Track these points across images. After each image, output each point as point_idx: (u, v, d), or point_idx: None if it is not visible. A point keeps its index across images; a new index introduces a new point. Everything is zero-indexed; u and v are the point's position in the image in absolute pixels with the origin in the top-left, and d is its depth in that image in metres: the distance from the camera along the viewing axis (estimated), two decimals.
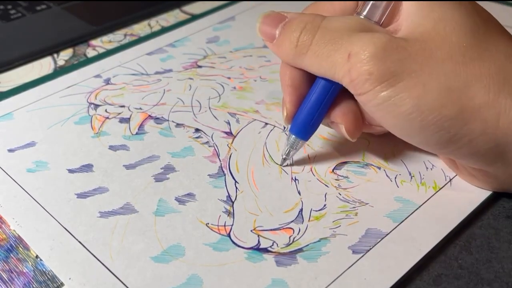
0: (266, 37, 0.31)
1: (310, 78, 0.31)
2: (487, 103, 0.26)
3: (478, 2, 0.29)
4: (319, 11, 0.31)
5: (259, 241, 0.28)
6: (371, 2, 0.29)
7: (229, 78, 0.41)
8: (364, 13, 0.29)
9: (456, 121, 0.26)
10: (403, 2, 0.28)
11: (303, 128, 0.31)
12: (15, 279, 0.27)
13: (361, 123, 0.31)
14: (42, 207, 0.31)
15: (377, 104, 0.27)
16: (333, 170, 0.32)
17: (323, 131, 0.35)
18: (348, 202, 0.30)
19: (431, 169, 0.32)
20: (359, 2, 0.30)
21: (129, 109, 0.38)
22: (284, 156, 0.32)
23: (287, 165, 0.33)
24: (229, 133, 0.36)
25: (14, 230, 0.30)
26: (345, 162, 0.33)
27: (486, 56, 0.27)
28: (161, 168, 0.33)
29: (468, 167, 0.30)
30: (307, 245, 0.28)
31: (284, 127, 0.36)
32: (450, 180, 0.31)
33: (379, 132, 0.32)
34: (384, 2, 0.29)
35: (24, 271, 0.28)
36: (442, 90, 0.26)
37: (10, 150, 0.35)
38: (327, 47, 0.28)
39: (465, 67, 0.26)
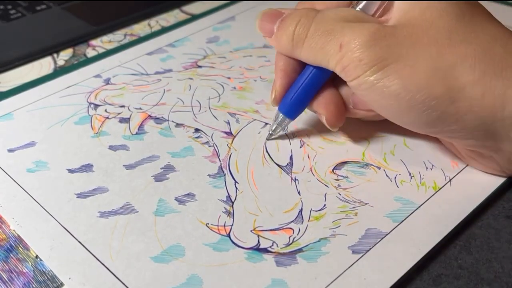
0: (265, 32, 0.33)
1: (302, 67, 0.33)
2: (472, 82, 0.27)
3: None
4: (313, 6, 0.33)
5: (259, 241, 0.28)
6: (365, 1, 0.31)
7: (229, 78, 0.41)
8: (360, 7, 0.31)
9: (443, 99, 0.27)
10: None
11: (291, 108, 0.33)
12: (15, 279, 0.27)
13: (342, 114, 0.33)
14: (42, 207, 0.31)
15: (367, 88, 0.28)
16: (333, 170, 0.32)
17: (323, 131, 0.35)
18: (348, 202, 0.30)
19: (431, 169, 0.32)
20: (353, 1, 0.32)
21: (129, 109, 0.38)
22: (270, 132, 0.34)
23: (272, 139, 0.35)
24: (229, 133, 0.36)
25: (14, 230, 0.30)
26: (345, 162, 0.33)
27: (471, 38, 0.28)
28: (161, 168, 0.33)
29: (466, 150, 0.31)
30: (307, 245, 0.28)
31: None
32: (450, 180, 0.31)
33: (365, 116, 0.33)
34: (378, 2, 0.30)
35: (24, 271, 0.28)
36: (428, 71, 0.27)
37: (10, 150, 0.35)
38: (321, 39, 0.30)
39: (451, 49, 0.27)
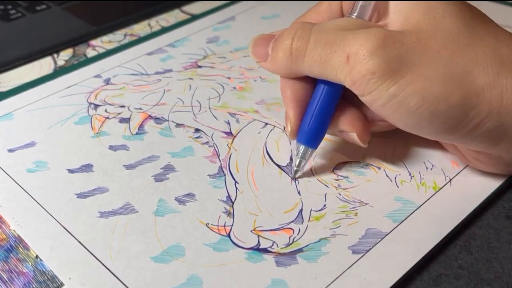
0: (259, 57, 0.31)
1: (311, 90, 0.31)
2: (489, 85, 0.26)
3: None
4: (307, 20, 0.32)
5: (259, 242, 0.28)
6: (360, 2, 0.29)
7: (229, 78, 0.41)
8: (355, 14, 0.29)
9: (464, 106, 0.26)
10: None
11: (311, 136, 0.31)
12: (15, 279, 0.27)
13: (369, 128, 0.31)
14: (42, 207, 0.31)
15: (383, 103, 0.27)
16: (333, 170, 0.32)
17: None
18: (348, 202, 0.30)
19: (431, 169, 0.32)
20: (345, 6, 0.31)
21: (129, 109, 0.38)
22: (296, 168, 0.32)
23: (299, 177, 0.32)
24: (229, 133, 0.36)
25: (14, 230, 0.30)
26: (345, 162, 0.33)
27: (478, 41, 0.27)
28: (161, 168, 0.33)
29: (472, 151, 0.30)
30: (307, 245, 0.28)
31: (284, 127, 0.36)
32: (450, 180, 0.31)
33: (382, 128, 0.32)
34: (373, 2, 0.29)
35: (24, 271, 0.28)
36: (445, 79, 0.26)
37: (10, 150, 0.35)
38: (324, 50, 0.28)
39: (461, 54, 0.27)
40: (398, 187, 0.31)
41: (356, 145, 0.31)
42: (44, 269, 0.27)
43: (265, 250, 0.28)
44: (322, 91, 0.30)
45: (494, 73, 0.27)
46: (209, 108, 0.38)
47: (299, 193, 0.31)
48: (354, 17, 0.29)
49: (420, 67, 0.26)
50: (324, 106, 0.30)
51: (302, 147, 0.31)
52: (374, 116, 0.31)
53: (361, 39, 0.27)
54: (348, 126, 0.30)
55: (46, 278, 0.27)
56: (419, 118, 0.27)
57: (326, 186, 0.31)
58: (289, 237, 0.28)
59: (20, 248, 0.29)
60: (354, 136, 0.30)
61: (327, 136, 0.35)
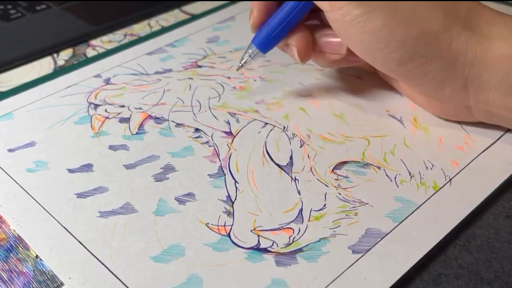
0: None
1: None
2: (443, 29, 0.30)
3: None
4: None
5: (259, 241, 0.28)
6: None
7: (229, 78, 0.41)
8: None
9: (417, 41, 0.30)
10: None
11: (263, 41, 0.34)
12: (15, 279, 0.27)
13: (311, 49, 0.35)
14: (42, 207, 0.31)
15: (350, 20, 0.30)
16: (333, 170, 0.32)
17: (322, 131, 0.35)
18: (348, 202, 0.30)
19: (431, 169, 0.32)
20: None
21: (129, 109, 0.38)
22: (241, 63, 0.36)
23: (240, 68, 0.36)
24: (229, 133, 0.36)
25: (14, 230, 0.30)
26: (345, 162, 0.33)
27: None
28: (161, 168, 0.33)
29: (423, 95, 0.34)
30: (307, 245, 0.28)
31: (284, 127, 0.36)
32: (450, 180, 0.31)
33: (330, 60, 0.35)
34: None
35: (24, 271, 0.28)
36: (409, 11, 0.30)
37: (10, 150, 0.35)
38: None
39: None
40: (398, 187, 0.31)
41: (356, 144, 0.32)
42: (44, 269, 0.27)
43: (265, 250, 0.28)
44: (290, 5, 0.33)
45: (449, 21, 0.30)
46: (209, 108, 0.38)
47: (299, 192, 0.31)
48: None
49: None
50: (286, 19, 0.33)
51: (253, 47, 0.35)
52: (327, 46, 0.35)
53: None
54: (293, 40, 0.34)
55: (46, 278, 0.27)
56: (377, 40, 0.30)
57: (326, 186, 0.31)
58: (289, 237, 0.28)
59: (20, 248, 0.29)
60: (294, 51, 0.34)
61: (327, 136, 0.35)
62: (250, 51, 0.35)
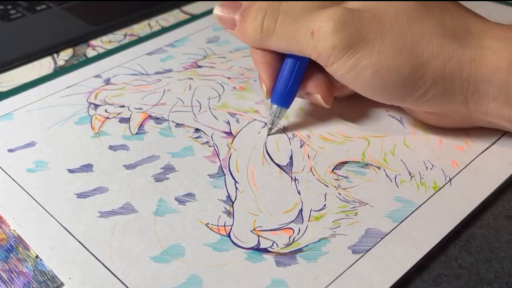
0: (226, 24, 0.34)
1: (281, 54, 0.34)
2: (433, 56, 0.30)
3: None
4: None
5: (259, 241, 0.28)
6: None
7: (229, 78, 0.41)
8: None
9: (411, 78, 0.30)
10: None
11: (282, 97, 0.34)
12: (15, 279, 0.27)
13: (332, 91, 0.34)
14: (42, 207, 0.31)
15: (343, 74, 0.31)
16: (333, 170, 0.32)
17: (322, 131, 0.35)
18: (348, 202, 0.30)
19: (431, 169, 0.32)
20: None
21: (129, 109, 0.38)
22: (270, 126, 0.35)
23: (273, 134, 0.35)
24: (229, 133, 0.36)
25: (14, 230, 0.30)
26: (345, 162, 0.33)
27: (425, 14, 0.31)
28: (161, 168, 0.33)
29: (425, 112, 0.34)
30: (307, 245, 0.28)
31: (284, 127, 0.36)
32: (450, 180, 0.31)
33: (347, 93, 0.36)
34: None
35: (24, 271, 0.28)
36: (395, 54, 0.30)
37: (10, 150, 0.35)
38: (291, 27, 0.31)
39: (410, 28, 0.30)
40: (398, 187, 0.31)
41: (356, 144, 0.32)
42: (44, 269, 0.27)
43: (265, 250, 0.28)
44: (292, 59, 0.33)
45: (438, 45, 0.30)
46: (209, 108, 0.38)
47: (299, 193, 0.31)
48: None
49: (374, 42, 0.30)
50: (293, 71, 0.33)
51: (275, 107, 0.34)
52: (338, 81, 0.34)
53: (324, 17, 0.30)
54: (313, 89, 0.34)
55: (46, 278, 0.27)
56: (373, 87, 0.31)
57: (326, 186, 0.31)
58: (289, 237, 0.28)
59: (20, 248, 0.29)
60: (318, 98, 0.34)
61: (327, 136, 0.35)
62: (273, 111, 0.34)
